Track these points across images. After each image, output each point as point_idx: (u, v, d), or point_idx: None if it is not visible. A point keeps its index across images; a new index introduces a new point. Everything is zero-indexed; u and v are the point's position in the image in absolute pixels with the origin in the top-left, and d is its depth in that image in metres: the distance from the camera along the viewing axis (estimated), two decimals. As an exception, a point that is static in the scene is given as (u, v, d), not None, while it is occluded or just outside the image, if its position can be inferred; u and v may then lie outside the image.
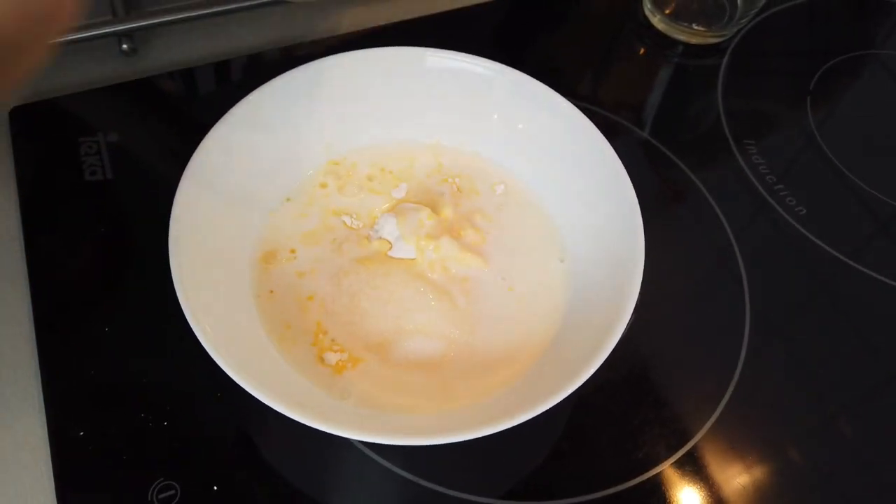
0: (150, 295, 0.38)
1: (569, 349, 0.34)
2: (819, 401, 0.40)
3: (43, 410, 0.35)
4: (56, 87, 0.46)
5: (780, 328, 0.42)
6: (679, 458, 0.36)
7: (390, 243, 0.38)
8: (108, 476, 0.33)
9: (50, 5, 0.23)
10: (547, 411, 0.29)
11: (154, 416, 0.34)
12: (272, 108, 0.38)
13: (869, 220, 0.48)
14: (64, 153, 0.43)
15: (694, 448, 0.37)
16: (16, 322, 0.37)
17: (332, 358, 0.34)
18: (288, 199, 0.40)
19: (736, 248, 0.45)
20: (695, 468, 0.36)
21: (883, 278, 0.44)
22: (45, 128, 0.44)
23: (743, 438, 0.37)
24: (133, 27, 0.48)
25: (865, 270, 0.45)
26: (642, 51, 0.56)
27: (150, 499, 0.32)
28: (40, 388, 0.35)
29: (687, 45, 0.56)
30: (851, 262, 0.45)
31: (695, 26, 0.55)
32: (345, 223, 0.39)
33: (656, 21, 0.56)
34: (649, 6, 0.56)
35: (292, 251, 0.38)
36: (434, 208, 0.39)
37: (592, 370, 0.30)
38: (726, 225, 0.46)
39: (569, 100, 0.39)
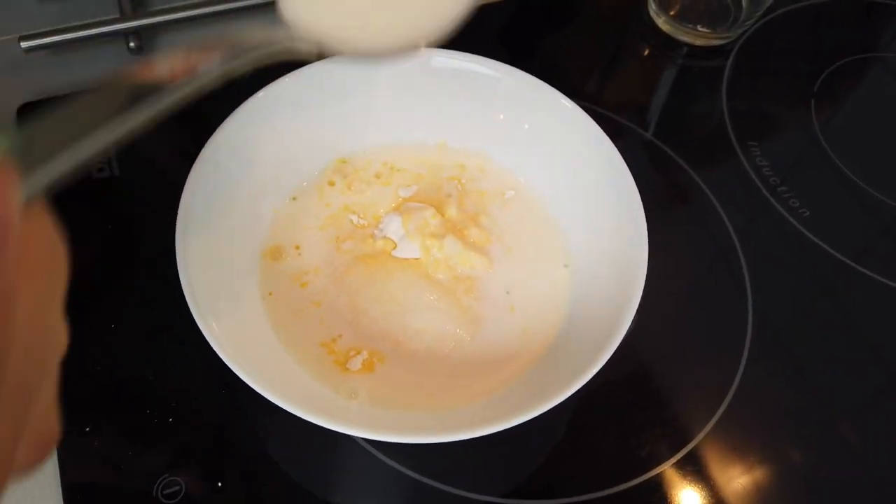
0: (156, 292, 0.38)
1: (572, 349, 0.34)
2: (821, 403, 0.40)
3: (49, 406, 0.35)
4: (63, 85, 0.46)
5: (783, 330, 0.42)
6: (680, 459, 0.36)
7: (395, 242, 0.38)
8: (114, 472, 0.33)
9: None
10: (549, 411, 0.29)
11: (159, 412, 0.35)
12: (280, 106, 0.39)
13: (872, 222, 0.48)
14: (71, 150, 0.43)
15: (695, 449, 0.37)
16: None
17: (355, 363, 0.35)
18: (294, 198, 0.40)
19: (739, 250, 0.45)
20: (696, 469, 0.36)
21: (885, 280, 0.45)
22: (52, 125, 0.45)
23: (744, 440, 0.38)
24: (140, 25, 0.48)
25: (868, 272, 0.45)
26: (647, 52, 0.57)
27: (155, 495, 0.33)
28: (47, 384, 0.35)
29: (692, 46, 0.56)
30: (854, 265, 0.45)
31: (699, 28, 0.55)
32: (351, 221, 0.39)
33: (661, 22, 0.56)
34: (654, 7, 0.56)
35: (297, 248, 0.38)
36: (439, 208, 0.39)
37: (596, 370, 0.30)
38: (729, 226, 0.46)
39: (573, 100, 0.39)
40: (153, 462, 0.33)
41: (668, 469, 0.36)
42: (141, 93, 0.18)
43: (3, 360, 0.14)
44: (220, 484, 0.33)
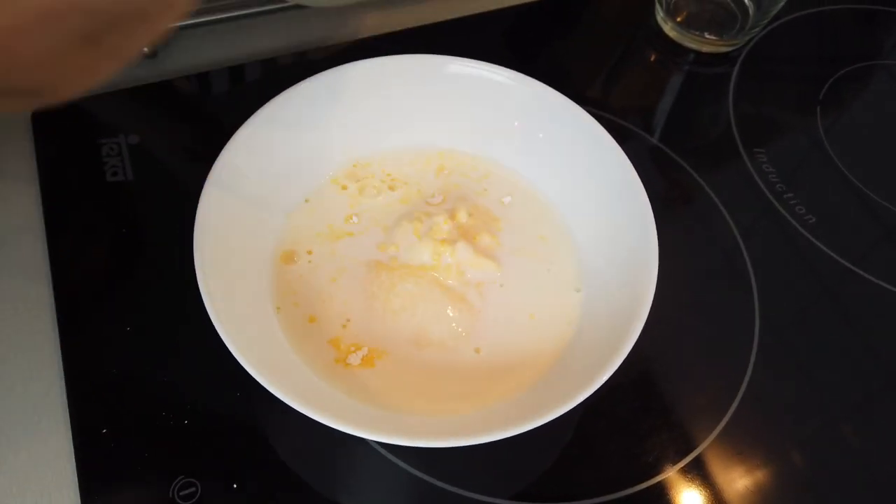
0: (170, 294, 0.39)
1: (581, 355, 0.34)
2: (828, 410, 0.40)
3: (67, 409, 0.35)
4: (78, 89, 0.47)
5: (790, 337, 0.43)
6: (687, 464, 0.37)
7: (406, 247, 0.39)
8: (131, 473, 0.34)
9: None
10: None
11: (175, 414, 0.35)
12: (296, 111, 0.39)
13: (876, 228, 0.48)
14: (85, 155, 0.44)
15: (702, 454, 0.37)
16: (40, 322, 0.38)
17: (355, 359, 0.35)
18: (307, 200, 0.41)
19: (746, 256, 0.45)
20: (702, 474, 0.37)
21: (889, 287, 0.45)
22: (67, 129, 0.45)
23: (750, 445, 0.38)
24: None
25: (874, 280, 0.45)
26: (653, 57, 0.57)
27: (171, 496, 0.33)
28: (64, 387, 0.36)
29: (698, 53, 0.56)
30: (860, 272, 0.46)
31: (706, 35, 0.55)
32: (362, 226, 0.40)
33: (668, 29, 0.57)
34: (661, 14, 0.57)
35: (309, 252, 0.39)
36: (450, 213, 0.40)
37: (606, 377, 0.30)
38: (736, 232, 0.46)
39: (580, 105, 0.40)
40: (169, 464, 0.34)
41: (673, 474, 0.37)
42: None
43: None
44: (235, 485, 0.34)
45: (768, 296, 0.43)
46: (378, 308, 0.37)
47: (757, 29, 0.55)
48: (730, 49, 0.56)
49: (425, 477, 0.35)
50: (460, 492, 0.35)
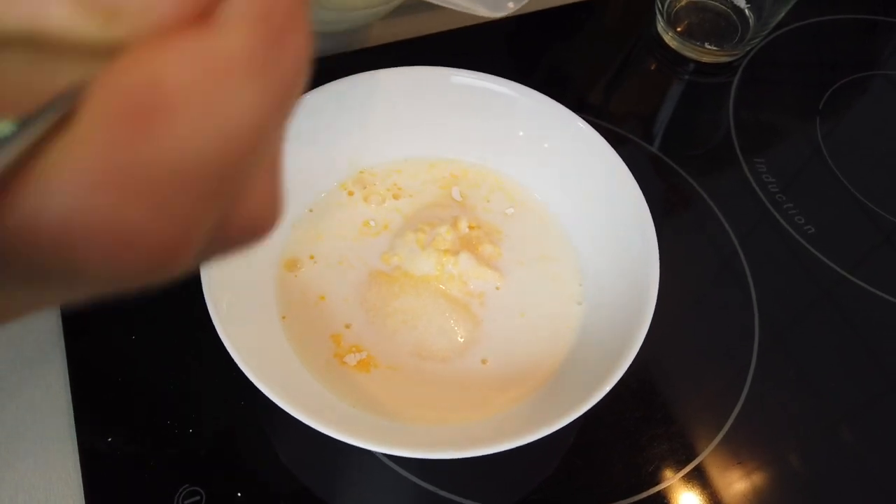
0: (176, 303, 0.39)
1: (583, 366, 0.35)
2: (829, 417, 0.40)
3: (72, 417, 0.36)
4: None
5: (789, 345, 0.43)
6: (688, 472, 0.37)
7: (409, 257, 0.39)
8: (136, 481, 0.34)
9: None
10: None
11: (180, 423, 0.36)
12: (302, 122, 0.39)
13: (874, 237, 0.49)
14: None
15: (703, 462, 0.38)
16: (46, 331, 0.38)
17: (352, 359, 0.36)
18: (310, 210, 0.41)
19: (745, 265, 0.45)
20: (703, 482, 0.37)
21: (886, 295, 0.45)
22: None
23: (751, 453, 0.38)
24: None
25: (871, 289, 0.46)
26: (654, 67, 0.57)
27: (176, 504, 0.33)
28: (70, 396, 0.36)
29: (699, 63, 0.56)
30: (857, 280, 0.46)
31: (707, 45, 0.56)
32: (366, 235, 0.40)
33: (668, 39, 0.57)
34: (662, 24, 0.57)
35: (312, 258, 0.39)
36: (453, 223, 0.40)
37: (608, 388, 0.31)
38: (735, 240, 0.47)
39: (581, 113, 0.40)
40: (174, 472, 0.34)
41: (675, 482, 0.37)
42: None
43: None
44: (239, 494, 0.34)
45: (767, 304, 0.44)
46: (380, 318, 0.37)
47: (757, 39, 0.56)
48: (730, 59, 0.57)
49: (427, 486, 0.36)
50: (461, 500, 0.35)
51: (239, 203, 0.15)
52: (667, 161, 0.50)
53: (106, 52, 0.13)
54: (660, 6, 0.57)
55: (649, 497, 0.36)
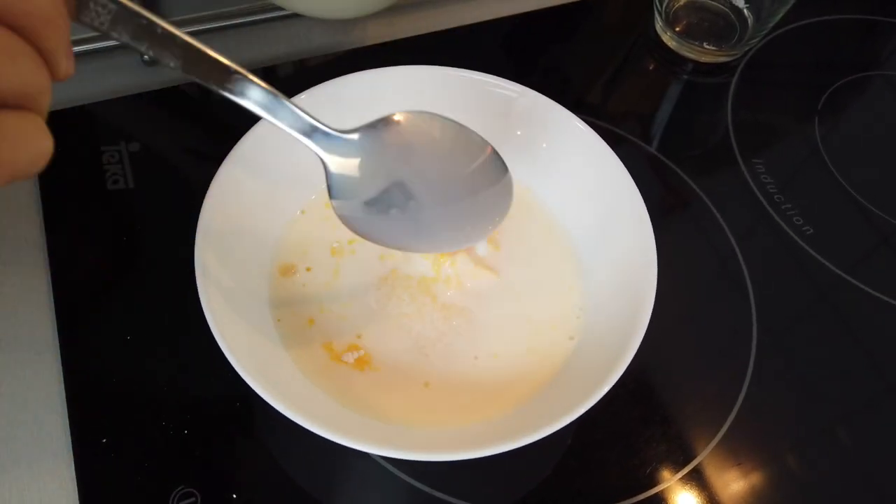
0: (171, 304, 0.39)
1: (580, 369, 0.34)
2: (827, 419, 0.40)
3: (67, 417, 0.35)
4: (78, 97, 0.47)
5: (787, 347, 0.43)
6: (686, 474, 0.37)
7: (406, 259, 0.39)
8: (130, 482, 0.34)
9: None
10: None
11: (175, 424, 0.35)
12: None
13: (872, 238, 0.49)
14: (86, 162, 0.44)
15: (701, 463, 0.37)
16: (40, 330, 0.38)
17: (350, 357, 0.35)
18: (303, 212, 0.41)
19: (743, 266, 0.45)
20: (701, 483, 0.37)
21: (884, 297, 0.45)
22: (68, 137, 0.45)
23: (749, 454, 0.38)
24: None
25: (869, 290, 0.46)
26: (652, 67, 0.57)
27: (170, 505, 0.33)
28: (64, 396, 0.36)
29: (697, 62, 0.56)
30: (855, 281, 0.46)
31: (705, 45, 0.55)
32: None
33: (667, 38, 0.57)
34: (660, 24, 0.57)
35: (308, 264, 0.39)
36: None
37: (605, 390, 0.31)
38: (733, 241, 0.47)
39: (579, 113, 0.40)
40: (169, 473, 0.34)
41: (673, 484, 0.37)
42: None
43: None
44: (234, 496, 0.34)
45: (765, 305, 0.44)
46: (377, 320, 0.37)
47: (756, 39, 0.56)
48: (728, 59, 0.57)
49: (423, 487, 0.35)
50: (457, 502, 0.35)
51: None
52: (665, 161, 0.50)
53: None
54: (658, 6, 0.57)
55: (647, 499, 0.36)
